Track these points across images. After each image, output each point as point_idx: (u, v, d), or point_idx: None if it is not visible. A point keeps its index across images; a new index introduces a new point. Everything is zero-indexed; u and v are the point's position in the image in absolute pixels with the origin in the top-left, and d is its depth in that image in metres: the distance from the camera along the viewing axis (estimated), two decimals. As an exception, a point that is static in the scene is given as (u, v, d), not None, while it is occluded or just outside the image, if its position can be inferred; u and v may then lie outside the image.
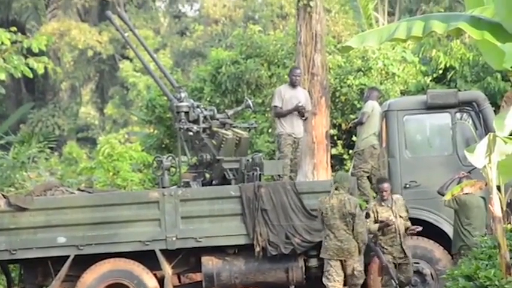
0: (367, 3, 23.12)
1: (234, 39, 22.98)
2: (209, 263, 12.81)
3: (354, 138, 16.86)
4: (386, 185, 12.18)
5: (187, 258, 13.02)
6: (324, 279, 11.95)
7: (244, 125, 14.47)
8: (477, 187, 10.37)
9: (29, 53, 17.34)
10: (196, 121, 13.67)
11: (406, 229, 12.18)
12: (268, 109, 19.06)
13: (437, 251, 12.81)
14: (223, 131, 13.58)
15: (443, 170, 12.65)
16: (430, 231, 12.74)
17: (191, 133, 13.57)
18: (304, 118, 14.14)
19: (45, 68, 17.34)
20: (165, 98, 16.90)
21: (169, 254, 12.80)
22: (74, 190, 14.00)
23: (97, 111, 45.06)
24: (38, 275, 13.06)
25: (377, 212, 12.14)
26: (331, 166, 17.47)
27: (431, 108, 13.11)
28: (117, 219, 12.67)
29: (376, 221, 12.12)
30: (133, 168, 20.15)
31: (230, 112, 14.15)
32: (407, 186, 12.92)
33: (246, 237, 12.70)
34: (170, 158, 13.69)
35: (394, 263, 12.17)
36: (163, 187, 13.24)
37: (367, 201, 13.74)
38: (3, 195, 12.93)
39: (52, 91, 40.94)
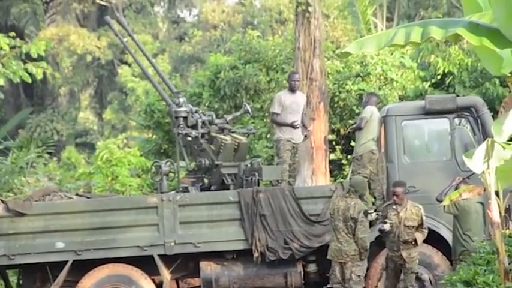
0: (365, 9, 23.15)
1: (232, 44, 22.98)
2: (208, 268, 12.81)
3: (352, 143, 16.87)
4: (397, 189, 12.11)
5: (185, 263, 13.02)
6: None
7: (243, 130, 14.48)
8: (475, 192, 10.35)
9: (27, 58, 17.38)
10: (195, 126, 13.67)
11: (414, 240, 11.99)
12: (267, 114, 19.07)
13: (435, 256, 12.80)
14: (221, 136, 13.58)
15: (442, 176, 12.65)
16: (429, 236, 12.72)
17: (190, 138, 13.58)
18: (304, 135, 14.14)
19: (44, 73, 17.38)
20: (164, 103, 16.91)
21: (167, 259, 12.79)
22: (72, 195, 14.01)
23: (96, 116, 45.06)
24: (36, 280, 13.05)
25: (386, 214, 12.14)
26: (330, 171, 17.48)
27: (429, 113, 13.11)
28: (115, 225, 12.67)
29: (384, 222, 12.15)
30: (132, 173, 20.15)
31: (229, 117, 14.16)
32: (406, 191, 12.90)
33: (244, 242, 12.70)
34: (169, 163, 13.70)
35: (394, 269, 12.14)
36: (162, 192, 13.24)
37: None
38: (1, 200, 12.92)
39: (51, 96, 40.90)
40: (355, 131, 14.29)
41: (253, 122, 18.84)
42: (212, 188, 13.52)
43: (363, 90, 18.70)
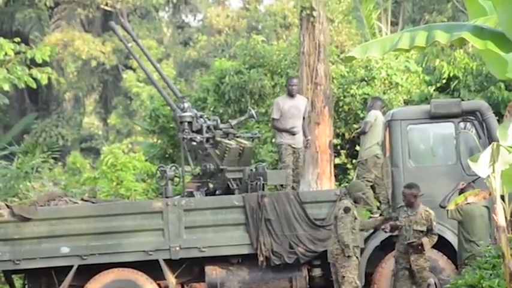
0: (370, 13, 23.16)
1: (237, 49, 23.01)
2: (213, 272, 12.81)
3: (357, 147, 16.87)
4: (405, 190, 12.06)
5: (190, 268, 13.03)
6: None
7: (248, 134, 14.48)
8: (481, 197, 10.34)
9: (32, 63, 17.40)
10: (199, 131, 13.68)
11: (419, 245, 11.89)
12: (271, 119, 19.06)
13: (441, 260, 12.78)
14: (226, 140, 13.59)
15: (447, 180, 12.63)
16: (434, 240, 12.72)
17: (194, 143, 13.59)
18: (305, 146, 14.12)
19: (49, 78, 17.41)
20: (169, 108, 16.93)
21: (172, 263, 12.80)
22: (77, 200, 14.03)
23: (100, 121, 45.10)
24: (41, 285, 13.05)
25: (397, 216, 12.13)
26: (335, 176, 17.49)
27: (434, 117, 13.10)
28: (120, 229, 12.68)
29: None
30: (137, 178, 20.16)
31: (233, 122, 14.17)
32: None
33: (249, 246, 12.70)
34: (174, 168, 13.71)
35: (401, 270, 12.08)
36: (167, 197, 13.25)
37: (370, 211, 13.75)
38: (7, 205, 12.93)
39: (56, 101, 40.95)
40: (360, 136, 14.29)
41: (258, 127, 18.86)
42: (217, 192, 13.52)
43: (368, 94, 18.70)
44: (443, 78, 19.12)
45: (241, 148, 13.56)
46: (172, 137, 19.95)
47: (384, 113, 14.24)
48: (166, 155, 20.67)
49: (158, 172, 13.84)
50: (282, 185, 13.56)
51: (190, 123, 13.72)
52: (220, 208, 12.80)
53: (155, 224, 12.71)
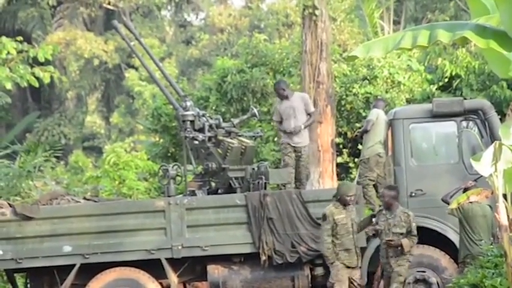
0: (372, 12, 23.15)
1: (239, 48, 23.02)
2: (215, 271, 12.80)
3: (359, 146, 16.86)
4: (384, 191, 11.97)
5: (193, 266, 13.02)
6: None
7: (250, 133, 14.47)
8: (483, 195, 10.34)
9: (35, 62, 17.39)
10: (201, 130, 13.67)
11: (399, 246, 11.69)
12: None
13: (443, 259, 12.76)
14: (228, 139, 13.58)
15: (449, 179, 12.62)
16: (436, 239, 12.72)
17: (197, 142, 13.57)
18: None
19: (51, 77, 17.38)
20: (171, 106, 16.93)
21: (175, 262, 12.79)
22: (79, 199, 14.01)
23: (103, 120, 45.12)
24: (44, 284, 13.05)
25: (377, 220, 12.07)
26: (337, 174, 17.49)
27: (437, 116, 13.08)
28: (123, 228, 12.68)
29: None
30: (139, 177, 20.18)
31: (236, 121, 14.15)
32: (413, 194, 12.88)
33: (251, 245, 12.69)
34: (176, 166, 13.70)
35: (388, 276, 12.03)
36: (169, 196, 13.24)
37: (372, 210, 13.72)
38: (9, 204, 12.94)
39: (58, 100, 40.99)
40: (363, 134, 14.29)
41: (260, 126, 18.87)
42: (219, 191, 13.52)
43: (370, 93, 18.70)
44: (446, 77, 19.12)
45: (243, 147, 13.55)
46: (175, 136, 19.96)
47: (386, 112, 14.23)
48: (169, 154, 20.68)
49: (160, 171, 13.84)
50: (283, 184, 13.56)
51: (192, 122, 13.71)
52: (222, 207, 12.79)
53: (157, 222, 12.71)
